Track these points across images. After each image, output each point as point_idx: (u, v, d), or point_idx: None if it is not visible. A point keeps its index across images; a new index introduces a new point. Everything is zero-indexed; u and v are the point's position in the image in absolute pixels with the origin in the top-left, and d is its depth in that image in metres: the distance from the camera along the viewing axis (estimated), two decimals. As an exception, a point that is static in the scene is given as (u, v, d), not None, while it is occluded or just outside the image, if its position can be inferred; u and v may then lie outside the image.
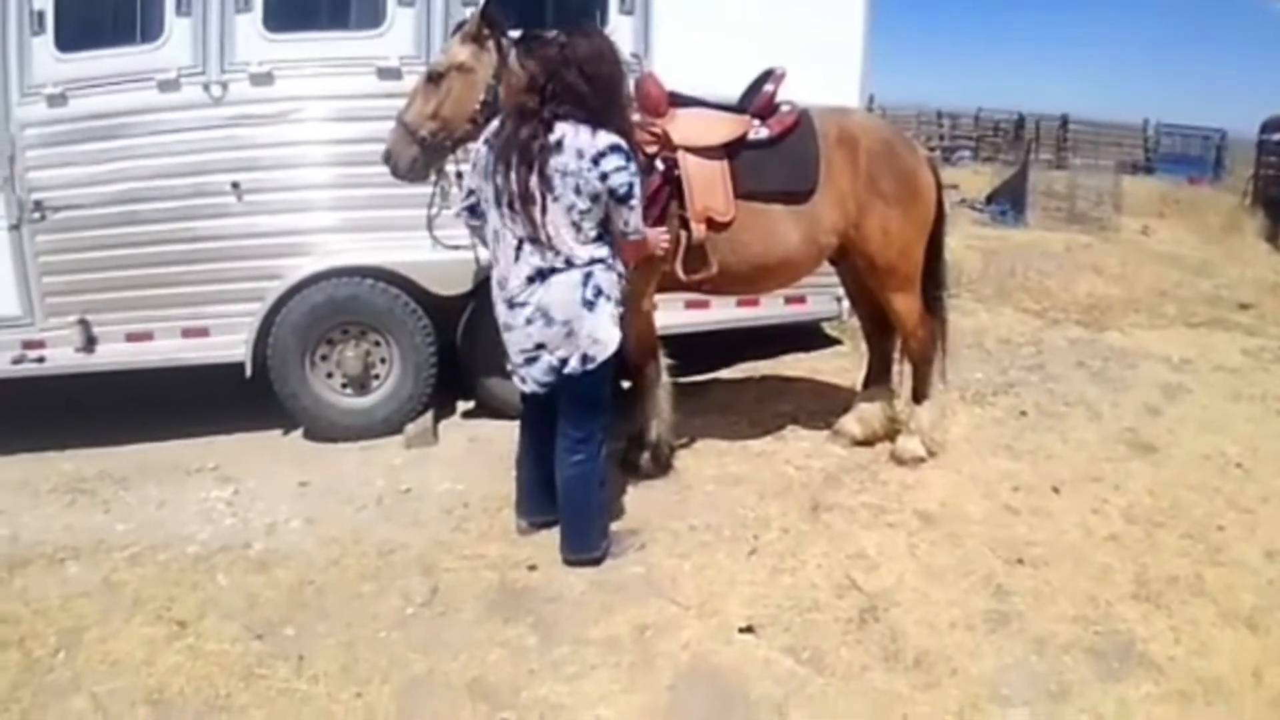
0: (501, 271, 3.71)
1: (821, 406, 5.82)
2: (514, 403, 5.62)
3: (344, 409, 5.64)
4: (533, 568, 4.04)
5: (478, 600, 3.83)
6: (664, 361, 4.85)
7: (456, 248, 5.00)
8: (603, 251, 3.66)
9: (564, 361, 3.69)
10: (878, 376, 5.43)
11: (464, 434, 5.70)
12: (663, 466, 4.92)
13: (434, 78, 4.35)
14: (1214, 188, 21.62)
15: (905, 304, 4.97)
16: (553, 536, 4.15)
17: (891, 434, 5.31)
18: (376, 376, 5.68)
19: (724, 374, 6.66)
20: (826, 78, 5.54)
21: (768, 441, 5.39)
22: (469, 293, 5.50)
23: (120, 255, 5.39)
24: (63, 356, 5.49)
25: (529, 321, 3.64)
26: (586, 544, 4.04)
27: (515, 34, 4.35)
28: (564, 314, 3.62)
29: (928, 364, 5.17)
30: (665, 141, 4.45)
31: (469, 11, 4.61)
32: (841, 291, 5.86)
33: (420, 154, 4.38)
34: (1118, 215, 15.34)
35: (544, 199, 3.52)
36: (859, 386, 5.60)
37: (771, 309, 6.20)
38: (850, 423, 5.35)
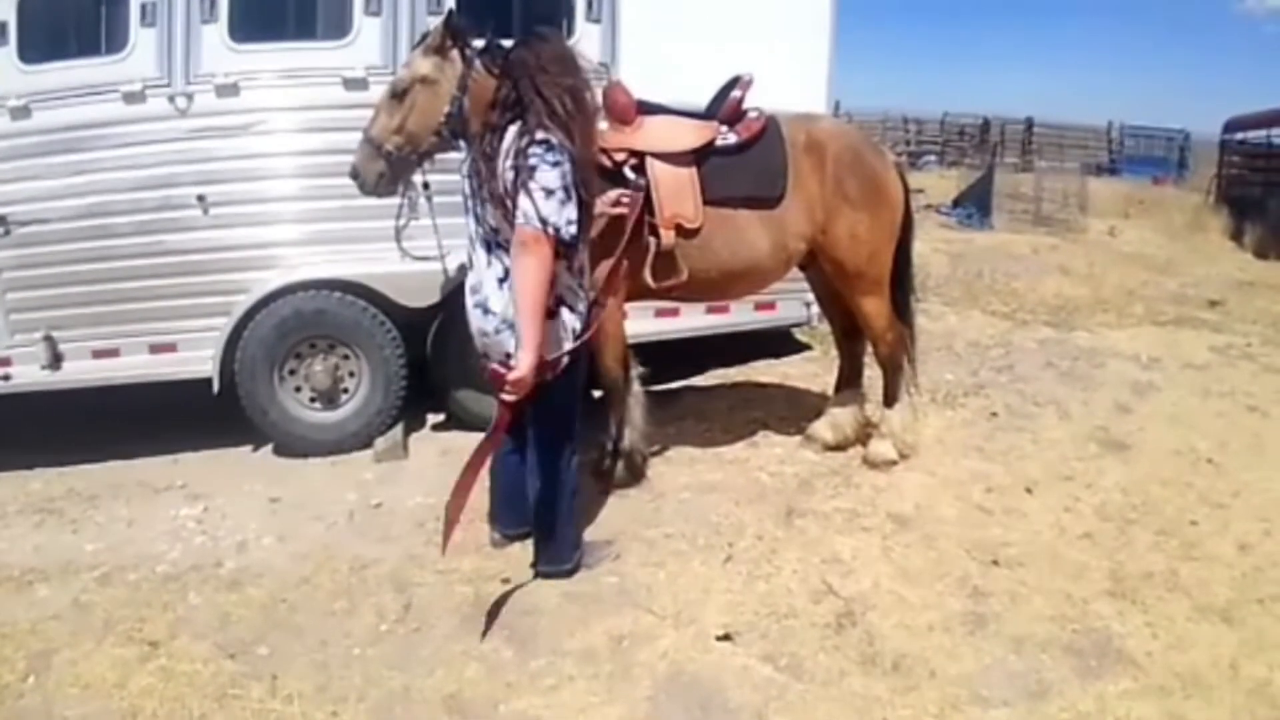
0: (476, 276, 3.69)
1: (793, 412, 5.83)
2: (485, 414, 5.60)
3: (313, 423, 5.60)
4: (506, 580, 4.01)
5: (452, 615, 3.80)
6: (635, 370, 4.84)
7: (425, 259, 4.99)
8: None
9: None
10: (848, 381, 5.44)
11: (435, 447, 5.66)
12: (636, 475, 4.90)
13: (398, 92, 4.31)
14: (1178, 187, 21.97)
15: (874, 308, 4.99)
16: (526, 549, 4.13)
17: (863, 438, 5.32)
18: (345, 390, 5.63)
19: (695, 381, 6.66)
20: (793, 84, 5.56)
21: (740, 448, 5.40)
22: (438, 304, 5.47)
23: (86, 270, 5.32)
24: (28, 374, 5.42)
25: (498, 331, 3.62)
26: (559, 555, 4.01)
27: (479, 44, 4.36)
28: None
29: (898, 368, 5.19)
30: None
31: (435, 21, 4.59)
32: (810, 296, 5.87)
33: (387, 169, 4.34)
34: (1084, 216, 15.51)
35: (500, 202, 3.48)
36: (830, 391, 5.61)
37: (741, 315, 6.20)
38: (822, 428, 5.36)
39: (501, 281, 3.58)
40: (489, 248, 3.61)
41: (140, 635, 3.71)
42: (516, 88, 3.51)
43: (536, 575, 4.01)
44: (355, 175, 4.38)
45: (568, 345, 3.62)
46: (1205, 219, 16.37)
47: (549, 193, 3.38)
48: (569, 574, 4.01)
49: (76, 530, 4.78)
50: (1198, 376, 6.99)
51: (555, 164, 3.39)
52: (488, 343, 3.69)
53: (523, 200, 3.37)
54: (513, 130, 3.47)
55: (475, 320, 3.71)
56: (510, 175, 3.41)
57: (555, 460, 3.87)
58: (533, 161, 3.38)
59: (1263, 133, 17.68)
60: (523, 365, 3.38)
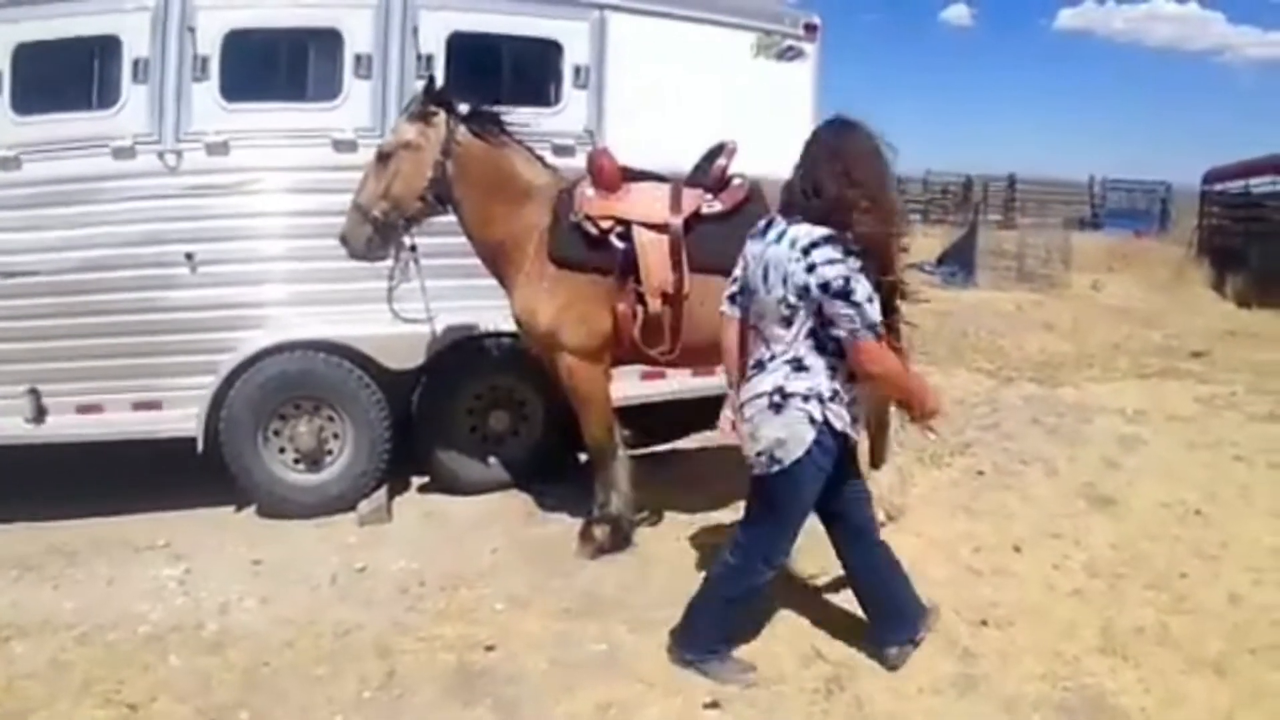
0: (757, 357, 3.54)
1: (781, 475, 5.78)
2: (469, 479, 5.62)
3: (297, 485, 5.56)
4: (491, 648, 3.97)
5: (435, 682, 3.75)
6: (621, 434, 4.85)
7: (412, 321, 5.01)
8: (805, 353, 3.39)
9: (758, 455, 3.50)
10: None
11: (419, 510, 5.63)
12: (622, 541, 4.87)
13: (383, 157, 4.42)
14: (1160, 240, 22.19)
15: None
16: (510, 616, 4.13)
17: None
18: (330, 452, 5.60)
19: (681, 445, 6.65)
20: (777, 148, 5.62)
21: (727, 512, 5.32)
22: (423, 367, 5.49)
23: (72, 324, 5.31)
24: (11, 427, 5.38)
25: (766, 415, 3.45)
26: (701, 644, 3.78)
27: (466, 109, 4.44)
28: (752, 410, 3.47)
29: (884, 428, 5.19)
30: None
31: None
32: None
33: (374, 234, 4.47)
34: (1067, 272, 15.69)
35: (761, 289, 3.43)
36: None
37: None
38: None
39: (753, 369, 3.50)
40: (753, 331, 3.54)
41: (119, 697, 3.66)
42: (815, 178, 3.37)
43: (682, 662, 3.79)
44: (344, 241, 4.43)
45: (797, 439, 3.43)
46: (1187, 270, 16.56)
47: (870, 299, 3.28)
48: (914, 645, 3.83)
49: (56, 587, 4.72)
50: (1183, 428, 7.03)
51: (856, 269, 3.28)
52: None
53: (840, 309, 3.26)
54: (804, 227, 3.35)
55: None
56: (805, 274, 3.29)
57: (757, 554, 3.69)
58: (840, 270, 3.25)
59: (1241, 183, 17.91)
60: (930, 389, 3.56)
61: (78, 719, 3.53)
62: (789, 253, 3.32)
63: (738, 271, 3.67)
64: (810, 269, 3.26)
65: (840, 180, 3.32)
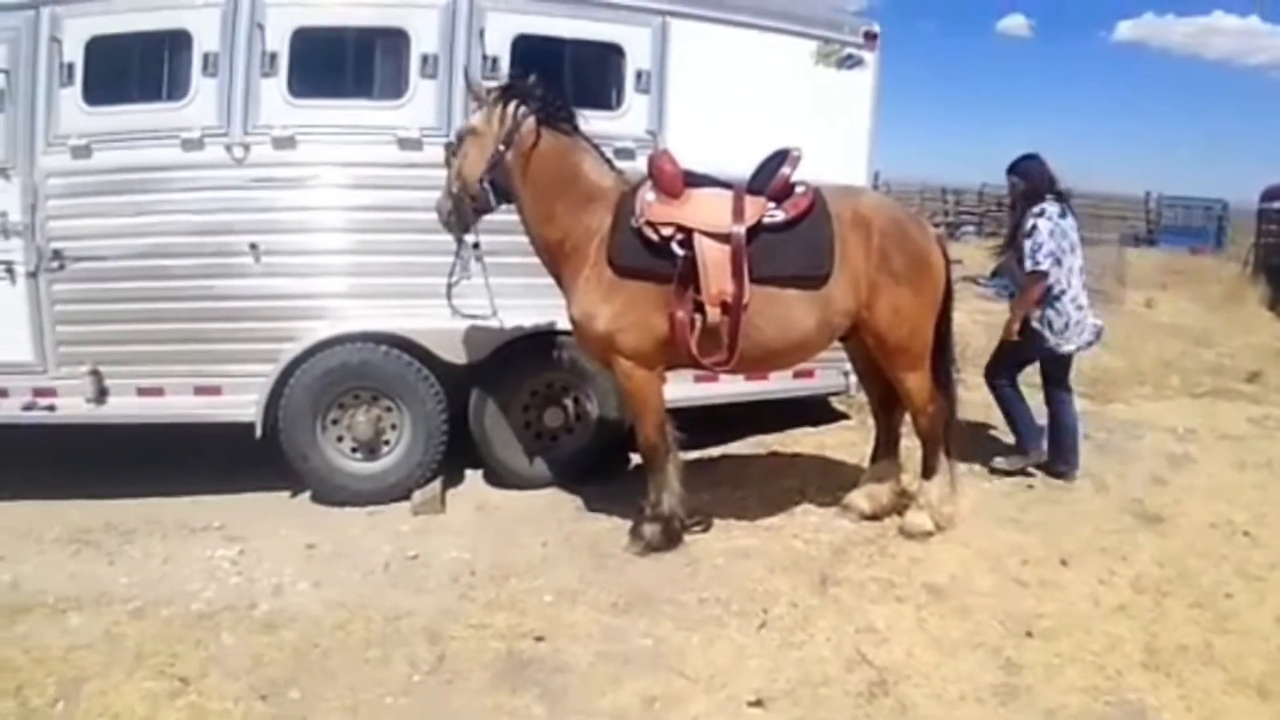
0: (1076, 289, 6.00)
1: (829, 481, 5.82)
2: (522, 472, 5.71)
3: (353, 473, 5.66)
4: (539, 638, 4.03)
5: (484, 669, 3.82)
6: (673, 435, 4.88)
7: (474, 316, 5.09)
8: None
9: (1088, 342, 6.12)
10: (885, 451, 5.44)
11: (472, 502, 5.71)
12: (672, 540, 4.90)
13: (459, 139, 4.69)
14: (1216, 257, 21.75)
15: (915, 382, 4.99)
16: (559, 608, 4.18)
17: (899, 508, 5.30)
18: (387, 442, 5.70)
19: (733, 448, 6.66)
20: (835, 155, 5.64)
21: (776, 516, 5.38)
22: (481, 361, 5.56)
23: (136, 309, 5.46)
24: (73, 406, 5.53)
25: (1088, 317, 6.01)
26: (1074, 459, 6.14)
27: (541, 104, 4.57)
28: (1088, 317, 6.07)
29: (936, 440, 5.17)
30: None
31: (489, 85, 4.78)
32: (849, 366, 5.89)
33: (453, 208, 4.69)
34: (1121, 288, 15.38)
35: (1079, 246, 6.04)
36: (866, 461, 5.62)
37: (780, 383, 6.22)
38: (859, 497, 5.34)
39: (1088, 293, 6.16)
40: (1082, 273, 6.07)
41: (172, 670, 3.75)
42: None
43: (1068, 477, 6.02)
44: (437, 209, 4.76)
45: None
46: (1243, 289, 16.21)
47: None
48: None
49: (112, 562, 4.85)
50: (1234, 448, 6.92)
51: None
52: (1081, 329, 6.09)
53: None
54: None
55: (1076, 315, 6.03)
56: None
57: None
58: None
59: (1301, 201, 17.52)
60: None
61: (131, 689, 3.62)
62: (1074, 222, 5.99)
63: (1054, 244, 5.83)
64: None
65: None
